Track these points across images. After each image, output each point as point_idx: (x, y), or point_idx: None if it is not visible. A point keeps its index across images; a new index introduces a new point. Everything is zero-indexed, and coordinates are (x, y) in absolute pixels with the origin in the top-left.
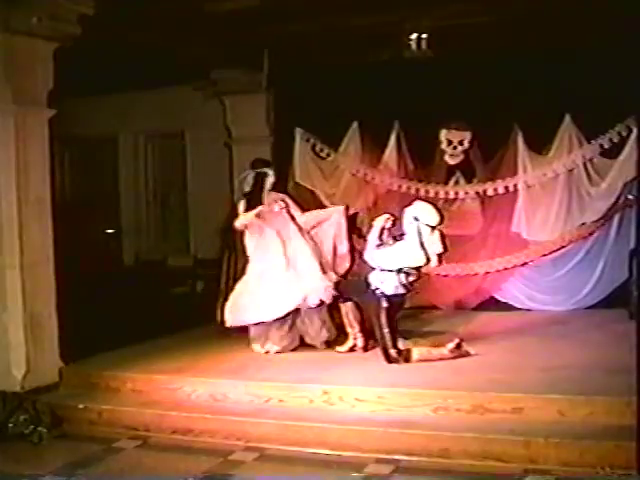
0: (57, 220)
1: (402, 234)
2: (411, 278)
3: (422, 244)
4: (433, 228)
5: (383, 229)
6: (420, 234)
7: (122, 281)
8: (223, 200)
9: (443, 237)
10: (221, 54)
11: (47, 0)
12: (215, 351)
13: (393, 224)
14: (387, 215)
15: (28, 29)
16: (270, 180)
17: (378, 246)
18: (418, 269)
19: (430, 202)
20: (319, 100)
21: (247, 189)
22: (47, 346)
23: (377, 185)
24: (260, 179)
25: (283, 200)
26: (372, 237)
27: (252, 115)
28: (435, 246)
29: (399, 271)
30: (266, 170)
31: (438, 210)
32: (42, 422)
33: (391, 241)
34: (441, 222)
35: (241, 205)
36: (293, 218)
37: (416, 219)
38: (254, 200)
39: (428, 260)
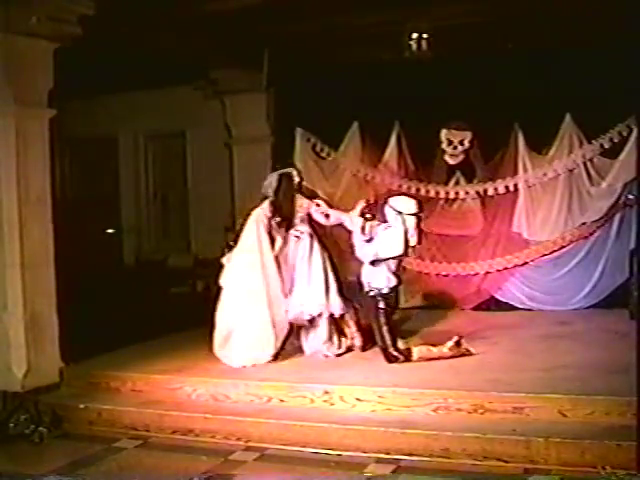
0: (57, 220)
1: (384, 223)
2: (393, 267)
3: (407, 233)
4: (417, 218)
5: (364, 226)
6: (405, 224)
7: (122, 281)
8: (223, 200)
9: (420, 229)
10: (221, 54)
11: (47, 0)
12: None
13: (372, 217)
14: (362, 219)
15: (28, 29)
16: (296, 181)
17: (367, 241)
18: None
19: (404, 194)
20: (319, 100)
21: (271, 192)
22: (48, 346)
23: (377, 185)
24: (283, 181)
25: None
26: (357, 235)
27: (252, 115)
28: (412, 238)
29: (386, 261)
30: (290, 171)
31: (415, 199)
32: (43, 422)
33: (375, 232)
34: (420, 210)
35: (265, 204)
36: (315, 223)
37: (400, 212)
38: (278, 202)
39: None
